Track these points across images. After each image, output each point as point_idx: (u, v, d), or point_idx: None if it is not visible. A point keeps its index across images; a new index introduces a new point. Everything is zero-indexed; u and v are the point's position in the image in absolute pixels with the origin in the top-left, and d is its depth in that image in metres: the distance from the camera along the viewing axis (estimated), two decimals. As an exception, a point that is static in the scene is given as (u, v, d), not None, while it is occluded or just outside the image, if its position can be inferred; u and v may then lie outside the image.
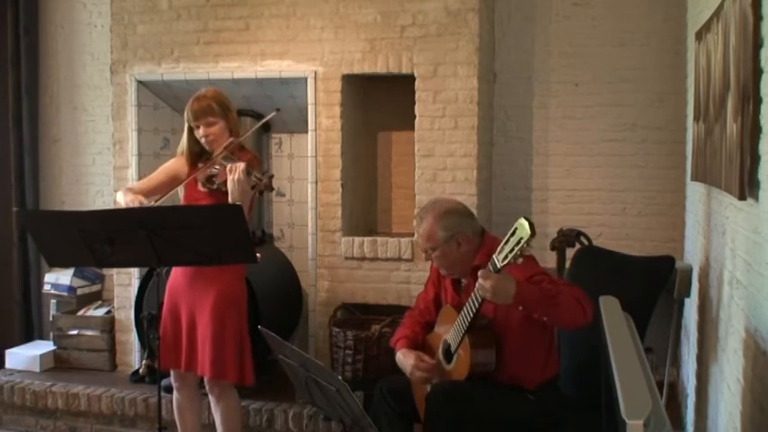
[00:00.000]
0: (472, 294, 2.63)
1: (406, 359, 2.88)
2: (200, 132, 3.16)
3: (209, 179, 3.13)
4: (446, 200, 3.09)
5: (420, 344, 2.98)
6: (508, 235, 2.44)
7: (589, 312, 2.55)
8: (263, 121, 3.62)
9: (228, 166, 3.03)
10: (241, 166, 3.00)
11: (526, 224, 2.36)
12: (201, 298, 3.13)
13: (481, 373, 2.72)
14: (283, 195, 4.76)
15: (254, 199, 3.22)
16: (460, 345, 2.74)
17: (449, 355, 2.82)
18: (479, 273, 2.52)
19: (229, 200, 3.01)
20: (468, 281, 2.87)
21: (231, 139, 3.18)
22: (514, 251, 2.41)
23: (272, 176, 3.12)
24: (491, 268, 2.50)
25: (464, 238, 2.82)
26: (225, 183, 3.05)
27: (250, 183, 3.03)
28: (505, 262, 2.44)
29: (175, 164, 3.29)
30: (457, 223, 2.84)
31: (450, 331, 2.80)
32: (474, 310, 2.64)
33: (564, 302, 2.56)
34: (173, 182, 3.23)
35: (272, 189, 3.16)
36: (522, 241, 2.38)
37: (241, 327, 3.18)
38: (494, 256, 2.50)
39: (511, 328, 2.74)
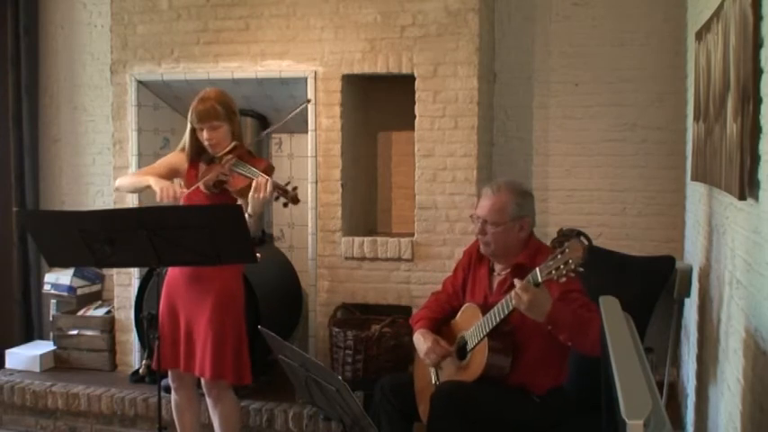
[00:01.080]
0: (504, 300, 2.60)
1: (424, 340, 2.88)
2: (203, 135, 3.14)
3: (218, 185, 3.11)
4: (521, 182, 3.03)
5: (438, 329, 2.96)
6: (558, 251, 2.39)
7: None
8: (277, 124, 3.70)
9: (255, 183, 3.00)
10: (269, 184, 3.00)
11: (580, 249, 2.31)
12: (199, 299, 3.13)
13: (492, 377, 2.71)
14: (283, 195, 4.76)
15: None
16: (478, 345, 2.72)
17: (463, 351, 2.81)
18: (519, 284, 2.48)
19: (248, 211, 2.99)
20: (503, 275, 2.85)
21: (235, 144, 3.15)
22: (560, 269, 2.37)
23: (296, 188, 3.12)
24: (531, 281, 2.46)
25: (527, 225, 2.82)
26: (239, 191, 3.05)
27: (273, 195, 3.03)
28: (547, 278, 2.42)
29: (175, 158, 3.28)
30: (529, 207, 2.84)
31: (469, 329, 2.78)
32: (502, 315, 2.61)
33: (593, 331, 2.49)
34: (172, 174, 3.24)
35: (297, 202, 3.15)
36: (570, 263, 2.34)
37: (239, 327, 3.18)
38: (537, 269, 2.46)
39: (532, 337, 2.72)
